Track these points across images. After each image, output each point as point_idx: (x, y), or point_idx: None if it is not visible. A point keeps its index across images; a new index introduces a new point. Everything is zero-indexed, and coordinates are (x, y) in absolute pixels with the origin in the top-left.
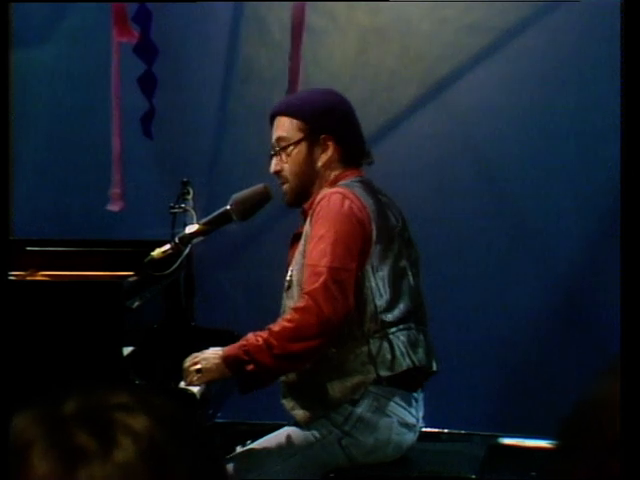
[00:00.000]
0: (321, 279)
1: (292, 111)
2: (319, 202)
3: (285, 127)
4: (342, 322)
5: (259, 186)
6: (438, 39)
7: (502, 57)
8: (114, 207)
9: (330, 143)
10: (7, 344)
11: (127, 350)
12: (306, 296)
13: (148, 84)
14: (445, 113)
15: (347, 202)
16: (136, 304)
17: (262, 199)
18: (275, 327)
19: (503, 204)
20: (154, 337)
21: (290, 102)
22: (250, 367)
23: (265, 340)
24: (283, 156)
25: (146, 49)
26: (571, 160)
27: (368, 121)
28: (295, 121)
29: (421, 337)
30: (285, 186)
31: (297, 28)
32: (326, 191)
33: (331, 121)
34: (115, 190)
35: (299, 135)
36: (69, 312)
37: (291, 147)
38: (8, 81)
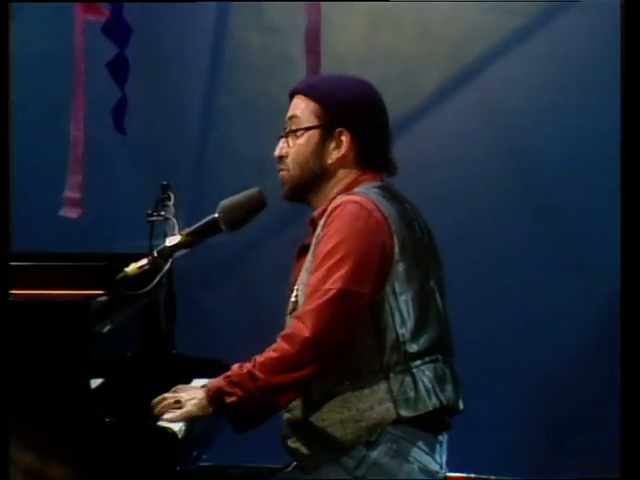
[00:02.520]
0: (318, 302)
1: (311, 92)
2: (332, 211)
3: (300, 108)
4: (339, 348)
5: (252, 191)
6: (462, 18)
7: (538, 38)
8: (70, 213)
9: (345, 139)
10: None
11: (95, 382)
12: (295, 320)
13: (119, 70)
14: (472, 105)
15: (364, 212)
16: (107, 329)
17: (256, 206)
18: (260, 357)
19: (541, 206)
20: (128, 367)
21: (313, 82)
22: (232, 399)
23: (249, 371)
24: (291, 140)
25: (117, 28)
26: (611, 154)
27: None
28: (312, 104)
29: (448, 371)
30: (284, 173)
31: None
32: (341, 199)
33: (352, 114)
34: (71, 194)
35: (313, 121)
36: (26, 338)
37: (301, 132)
38: (8, 81)
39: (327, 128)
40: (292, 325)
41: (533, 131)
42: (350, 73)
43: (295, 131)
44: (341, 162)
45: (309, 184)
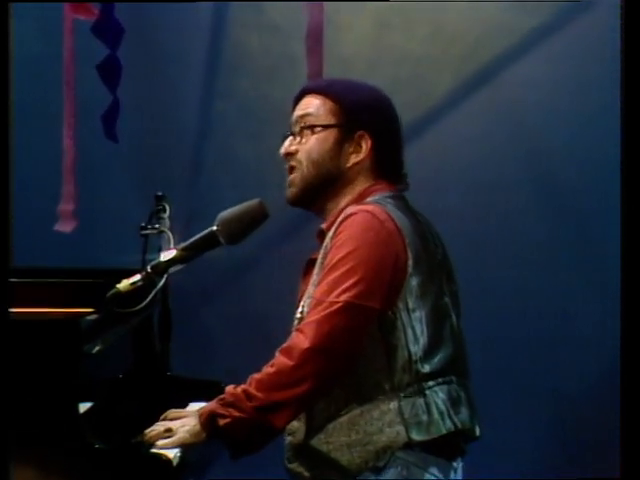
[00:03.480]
0: (321, 314)
1: (329, 91)
2: (342, 221)
3: (315, 105)
4: (342, 360)
5: (253, 202)
6: (478, 16)
7: (557, 38)
8: (64, 227)
9: (365, 144)
10: None
11: (84, 406)
12: (295, 332)
13: (111, 72)
14: (487, 109)
15: (377, 222)
16: (97, 349)
17: (256, 218)
18: (256, 375)
19: (560, 210)
20: (119, 390)
21: (329, 81)
22: (226, 422)
23: (245, 390)
24: (304, 137)
25: (108, 28)
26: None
27: None
28: (330, 102)
29: (463, 394)
30: (294, 174)
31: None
32: (352, 209)
33: (372, 118)
34: (65, 206)
35: (330, 120)
36: (11, 359)
37: (319, 128)
38: (8, 81)
39: (347, 129)
40: (291, 338)
41: (551, 134)
42: (356, 76)
43: (312, 127)
44: (357, 168)
45: (323, 187)
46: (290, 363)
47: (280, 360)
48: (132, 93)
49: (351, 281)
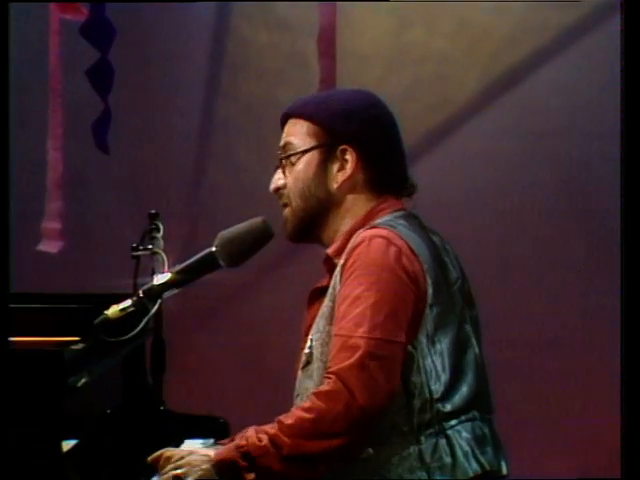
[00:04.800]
0: (356, 355)
1: (304, 111)
2: (354, 249)
3: (294, 131)
4: (380, 414)
5: (255, 220)
6: (505, 15)
7: (592, 36)
8: (49, 247)
9: (350, 157)
10: None
11: (68, 444)
12: (333, 377)
13: (102, 77)
14: (516, 113)
15: (393, 249)
16: (82, 382)
17: (260, 237)
18: (287, 419)
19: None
20: (107, 427)
21: (305, 101)
22: (250, 477)
23: (272, 438)
24: (287, 169)
25: (98, 29)
26: None
27: (408, 124)
28: (306, 124)
29: (487, 430)
30: (286, 210)
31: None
32: (363, 234)
33: (353, 127)
34: (51, 224)
35: (309, 142)
36: None
37: (297, 157)
38: (8, 81)
39: (327, 148)
40: (330, 382)
41: (586, 137)
42: (374, 76)
43: (290, 156)
44: (349, 186)
45: (315, 216)
46: (333, 410)
47: (319, 406)
48: (125, 99)
49: (381, 315)
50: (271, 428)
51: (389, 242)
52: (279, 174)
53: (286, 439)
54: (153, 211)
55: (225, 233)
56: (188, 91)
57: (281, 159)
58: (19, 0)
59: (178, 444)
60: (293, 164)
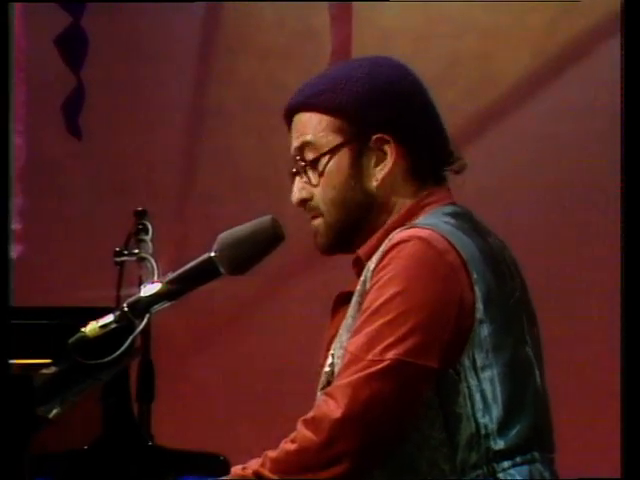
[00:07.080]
0: (362, 373)
1: (318, 101)
2: (388, 251)
3: (311, 128)
4: (386, 437)
5: (263, 220)
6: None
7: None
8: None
9: (388, 147)
10: None
11: None
12: (322, 398)
13: (73, 47)
14: (561, 104)
15: (433, 253)
16: (55, 412)
17: (267, 240)
18: (272, 452)
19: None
20: (84, 465)
21: (316, 87)
22: None
23: (256, 473)
24: (312, 175)
25: None
26: None
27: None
28: (326, 117)
29: (547, 474)
30: (317, 222)
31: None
32: (400, 234)
33: (386, 109)
34: (11, 225)
35: (334, 139)
36: None
37: (324, 159)
38: (8, 81)
39: (358, 141)
40: (318, 405)
41: None
42: (401, 52)
43: (316, 162)
44: (391, 180)
45: (355, 224)
46: (316, 439)
47: (303, 435)
48: (106, 79)
49: (400, 332)
50: (256, 463)
51: (429, 244)
52: (300, 183)
53: (270, 475)
54: (140, 208)
55: (225, 235)
56: (178, 72)
57: (303, 166)
58: (19, 0)
59: None
60: (318, 169)
